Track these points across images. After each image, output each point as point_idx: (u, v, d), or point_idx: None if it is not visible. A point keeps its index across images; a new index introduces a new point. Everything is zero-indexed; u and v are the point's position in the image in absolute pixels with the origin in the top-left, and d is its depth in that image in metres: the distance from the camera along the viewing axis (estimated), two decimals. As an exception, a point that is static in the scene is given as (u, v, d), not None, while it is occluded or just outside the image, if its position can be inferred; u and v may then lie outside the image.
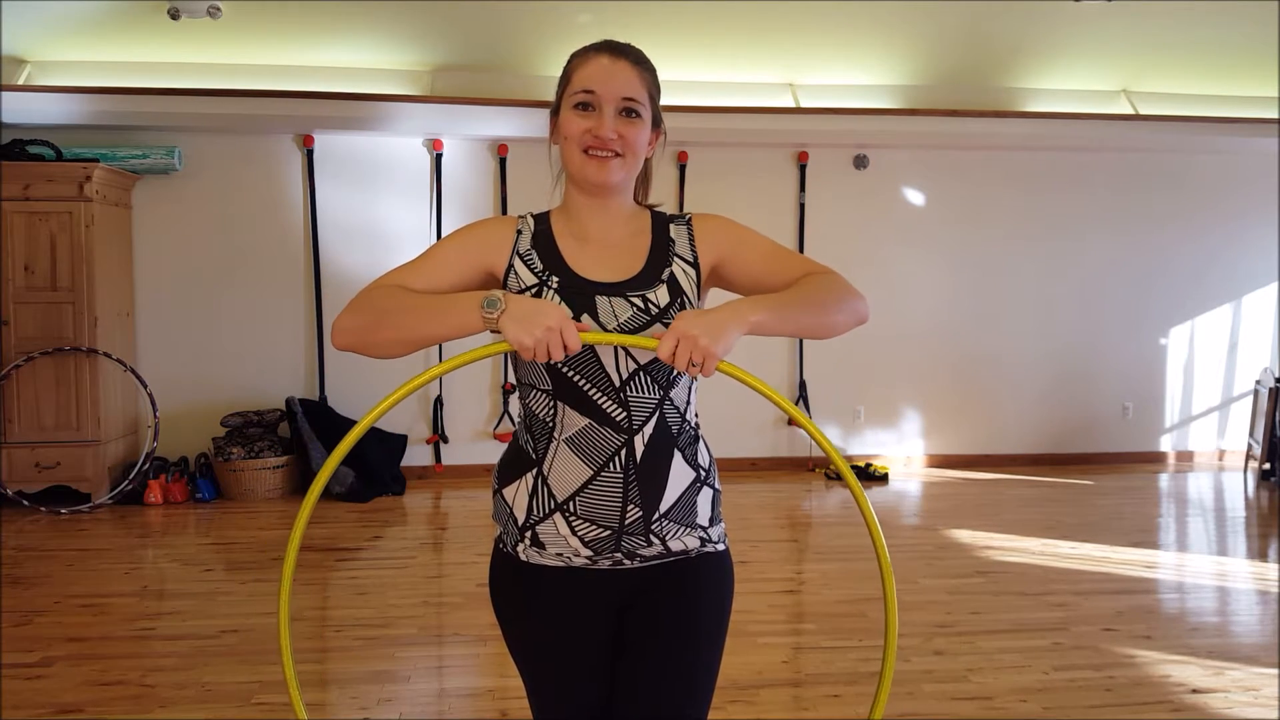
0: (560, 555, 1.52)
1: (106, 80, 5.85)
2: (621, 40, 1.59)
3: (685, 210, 1.74)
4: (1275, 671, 3.31)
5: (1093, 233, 6.91)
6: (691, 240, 1.58)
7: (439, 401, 6.38)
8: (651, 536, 1.51)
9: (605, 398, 1.48)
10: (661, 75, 1.62)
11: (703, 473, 1.58)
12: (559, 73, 1.59)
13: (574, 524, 1.50)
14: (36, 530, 5.14)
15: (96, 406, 5.55)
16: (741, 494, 5.96)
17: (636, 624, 1.57)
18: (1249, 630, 3.78)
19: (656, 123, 1.59)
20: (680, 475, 1.53)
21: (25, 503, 5.46)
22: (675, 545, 1.54)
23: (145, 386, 5.80)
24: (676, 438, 1.53)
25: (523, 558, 1.55)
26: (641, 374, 1.48)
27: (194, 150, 6.10)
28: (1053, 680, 3.24)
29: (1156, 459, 7.11)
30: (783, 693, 3.16)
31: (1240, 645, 3.59)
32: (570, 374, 1.48)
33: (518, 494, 1.54)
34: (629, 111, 1.52)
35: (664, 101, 1.62)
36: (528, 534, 1.53)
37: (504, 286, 1.51)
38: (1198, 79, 6.62)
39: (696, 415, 1.60)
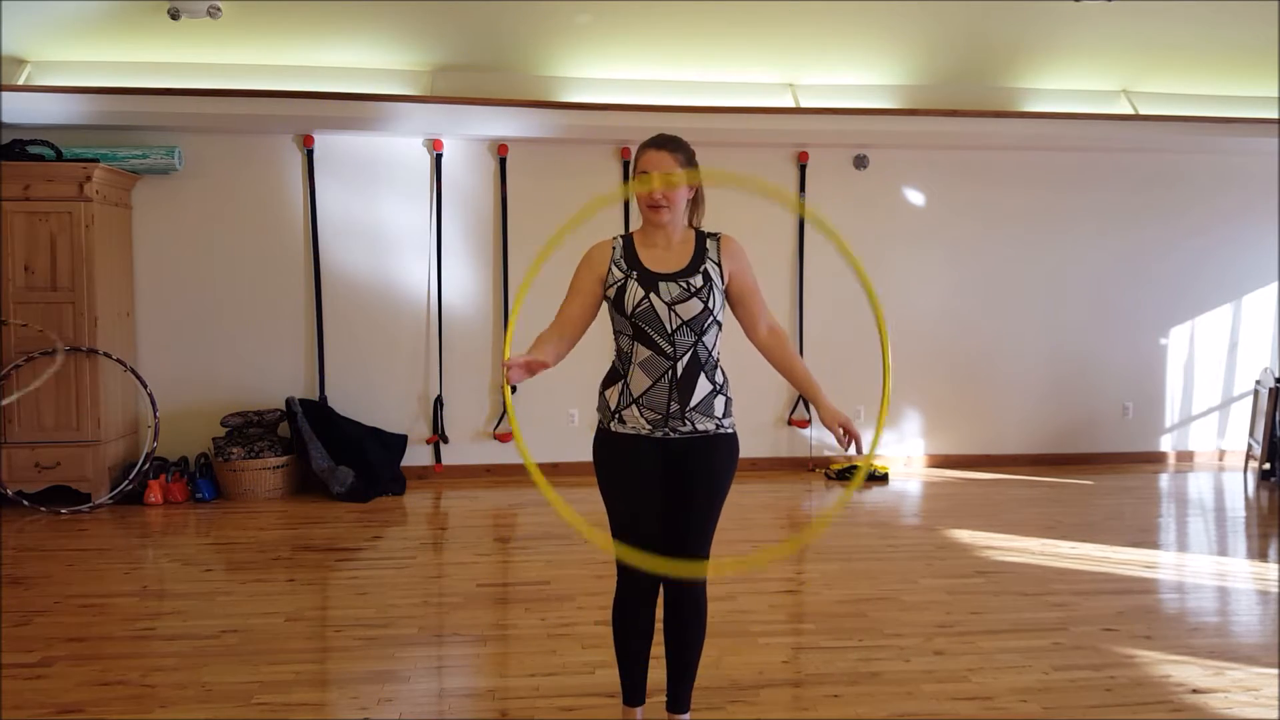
0: (633, 428, 2.56)
1: (106, 80, 5.85)
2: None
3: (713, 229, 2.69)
4: (1275, 671, 3.31)
5: (1093, 233, 6.91)
6: (719, 251, 2.60)
7: (439, 402, 6.38)
8: (685, 420, 2.55)
9: (661, 339, 2.51)
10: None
11: (718, 386, 2.59)
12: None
13: (641, 411, 2.54)
14: (36, 530, 5.14)
15: (96, 406, 5.55)
16: (742, 494, 5.96)
17: (677, 471, 2.57)
18: (1249, 630, 3.78)
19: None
20: (703, 386, 2.55)
21: (25, 503, 5.47)
22: (700, 426, 2.57)
23: (145, 386, 5.80)
24: (703, 364, 2.55)
25: (613, 429, 2.58)
26: (684, 327, 2.51)
27: (194, 150, 6.10)
28: (1053, 680, 3.24)
29: (1156, 459, 7.11)
30: (783, 693, 3.16)
31: (1240, 645, 3.59)
32: (643, 326, 2.50)
33: (611, 393, 2.59)
34: None
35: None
36: (616, 415, 2.57)
37: (606, 280, 2.55)
38: (1198, 79, 6.62)
39: (718, 353, 2.60)
